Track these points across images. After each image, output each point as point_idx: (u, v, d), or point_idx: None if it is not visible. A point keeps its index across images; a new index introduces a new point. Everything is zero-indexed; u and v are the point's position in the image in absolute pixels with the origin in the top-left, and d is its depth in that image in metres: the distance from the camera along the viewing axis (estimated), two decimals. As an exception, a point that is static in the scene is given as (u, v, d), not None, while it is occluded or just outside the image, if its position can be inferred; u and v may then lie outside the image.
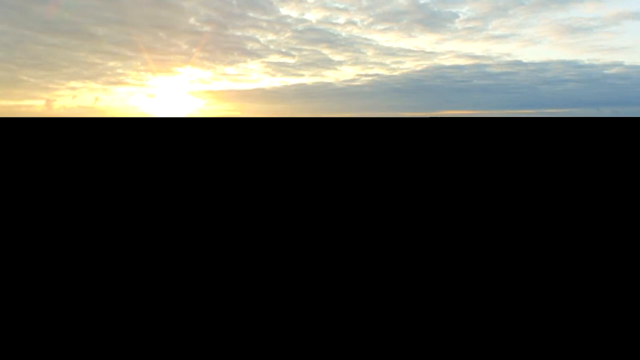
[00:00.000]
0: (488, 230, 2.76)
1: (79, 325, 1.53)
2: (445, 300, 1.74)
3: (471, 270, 2.06)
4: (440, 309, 1.66)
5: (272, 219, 3.06)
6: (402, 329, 1.51)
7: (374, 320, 1.57)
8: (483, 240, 2.53)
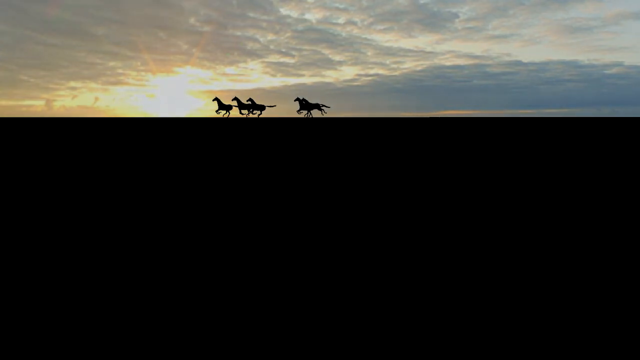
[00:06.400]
0: (488, 230, 2.76)
1: (79, 325, 1.53)
2: (445, 300, 1.74)
3: (471, 270, 2.06)
4: (439, 310, 1.66)
5: (272, 218, 3.06)
6: (401, 329, 1.51)
7: (373, 320, 1.57)
8: (483, 240, 2.53)
